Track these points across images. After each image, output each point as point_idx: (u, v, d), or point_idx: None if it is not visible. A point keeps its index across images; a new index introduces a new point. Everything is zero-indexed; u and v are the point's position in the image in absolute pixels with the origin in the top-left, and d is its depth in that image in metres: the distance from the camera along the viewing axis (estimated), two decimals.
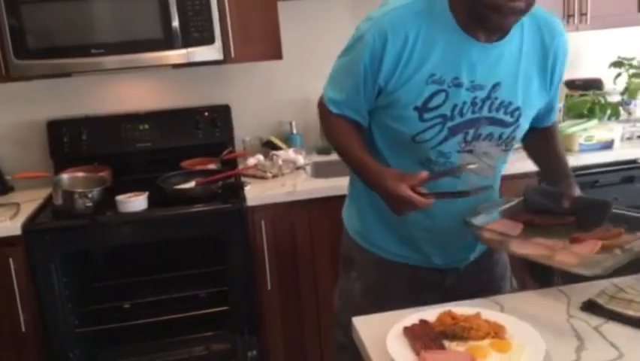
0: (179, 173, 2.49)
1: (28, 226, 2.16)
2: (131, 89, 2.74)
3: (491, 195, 1.51)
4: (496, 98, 1.33)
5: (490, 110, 1.34)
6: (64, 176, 2.33)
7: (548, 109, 1.48)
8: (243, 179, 2.47)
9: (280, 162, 2.57)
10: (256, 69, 2.76)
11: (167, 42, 2.30)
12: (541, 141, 1.55)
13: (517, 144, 1.57)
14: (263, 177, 2.51)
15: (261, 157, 2.61)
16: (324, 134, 1.54)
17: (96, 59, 2.26)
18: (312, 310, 2.40)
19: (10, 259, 2.13)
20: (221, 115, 2.74)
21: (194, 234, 2.36)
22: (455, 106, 1.32)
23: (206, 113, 2.72)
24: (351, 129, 1.43)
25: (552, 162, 1.54)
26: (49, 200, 2.38)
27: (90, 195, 2.18)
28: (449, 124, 1.33)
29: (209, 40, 2.34)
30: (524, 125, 1.40)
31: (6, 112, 2.64)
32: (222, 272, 2.37)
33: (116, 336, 2.37)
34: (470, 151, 1.37)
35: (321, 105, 1.48)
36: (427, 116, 1.33)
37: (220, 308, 2.38)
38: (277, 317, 2.38)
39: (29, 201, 2.37)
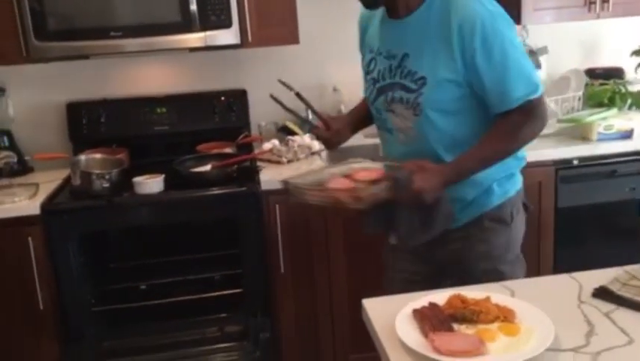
0: (195, 156, 2.50)
1: (47, 205, 2.20)
2: (149, 73, 2.77)
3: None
4: (405, 67, 1.56)
5: (400, 77, 1.57)
6: (82, 157, 2.36)
7: (483, 93, 1.50)
8: (258, 163, 2.48)
9: (295, 147, 2.58)
10: (273, 54, 2.76)
11: (185, 25, 2.31)
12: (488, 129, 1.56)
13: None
14: (278, 162, 2.52)
15: (276, 142, 2.62)
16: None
17: (114, 42, 2.28)
18: (325, 294, 2.42)
19: (29, 238, 2.16)
20: (237, 99, 2.75)
21: (209, 216, 2.39)
22: (380, 71, 1.63)
23: (222, 98, 2.73)
24: (361, 102, 1.86)
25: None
26: (67, 181, 2.42)
27: (108, 177, 2.21)
28: (377, 85, 1.64)
29: (226, 23, 2.34)
30: (431, 95, 1.52)
31: (26, 94, 2.67)
32: (237, 255, 2.40)
33: (131, 316, 2.41)
34: (393, 111, 1.61)
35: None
36: (368, 78, 1.69)
37: (234, 291, 2.40)
38: (290, 300, 2.40)
39: (48, 182, 2.41)
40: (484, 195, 1.64)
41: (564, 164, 2.46)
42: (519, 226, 1.72)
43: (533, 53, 2.88)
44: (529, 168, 2.36)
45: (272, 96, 1.90)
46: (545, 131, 2.52)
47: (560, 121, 2.59)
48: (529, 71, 1.51)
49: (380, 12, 1.64)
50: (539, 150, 2.42)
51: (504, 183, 1.67)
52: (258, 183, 2.30)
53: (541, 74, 2.94)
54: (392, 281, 1.79)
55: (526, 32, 2.88)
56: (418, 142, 1.59)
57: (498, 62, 1.45)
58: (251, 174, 2.38)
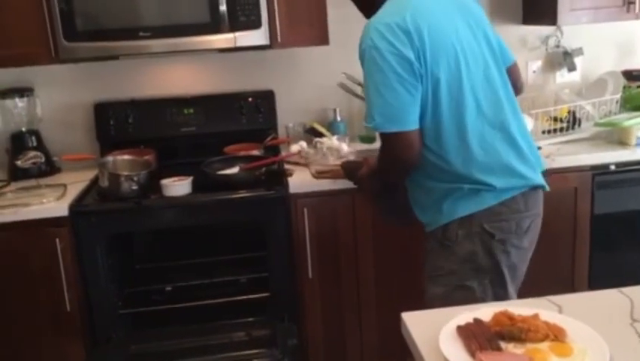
0: (222, 158, 2.48)
1: (75, 207, 2.18)
2: (176, 73, 2.75)
3: None
4: None
5: None
6: (110, 158, 2.35)
7: None
8: (288, 166, 2.44)
9: (324, 150, 2.53)
10: (301, 54, 2.73)
11: (214, 26, 2.28)
12: None
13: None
14: (306, 165, 2.48)
15: (304, 144, 2.58)
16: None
17: (143, 42, 2.26)
18: (353, 300, 2.37)
19: (57, 240, 2.15)
20: (265, 101, 2.72)
21: (237, 219, 2.36)
22: None
23: (250, 99, 2.70)
24: None
25: None
26: (94, 182, 2.41)
27: (136, 179, 2.19)
28: None
29: (256, 24, 2.31)
30: None
31: (54, 94, 2.67)
32: (264, 258, 2.37)
33: (158, 319, 2.39)
34: None
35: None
36: None
37: (261, 295, 2.37)
38: (318, 305, 2.36)
39: (76, 183, 2.40)
40: (435, 212, 1.72)
41: (601, 169, 2.38)
42: (470, 250, 1.67)
43: (568, 55, 2.81)
44: (565, 173, 2.33)
45: (341, 85, 2.45)
46: (581, 135, 2.51)
47: (597, 125, 2.51)
48: (373, 104, 1.63)
49: None
50: (575, 155, 2.36)
51: (455, 202, 1.68)
52: (287, 186, 2.26)
53: (575, 76, 2.88)
54: None
55: (561, 33, 2.81)
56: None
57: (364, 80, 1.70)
58: (279, 176, 2.34)
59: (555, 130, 2.48)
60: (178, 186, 2.21)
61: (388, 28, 1.60)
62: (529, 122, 2.49)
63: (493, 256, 1.68)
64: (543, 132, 2.50)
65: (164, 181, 2.22)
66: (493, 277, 1.69)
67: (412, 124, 1.62)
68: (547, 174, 2.28)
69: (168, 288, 2.55)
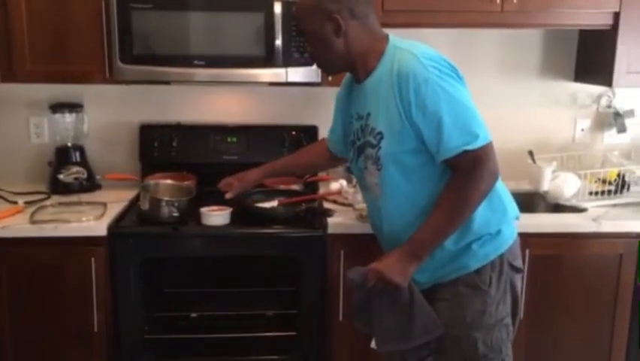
0: (261, 190, 2.46)
1: (114, 228, 2.18)
2: (224, 102, 2.76)
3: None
4: (367, 125, 1.68)
5: (366, 135, 1.69)
6: (152, 182, 2.35)
7: (427, 145, 1.58)
8: (328, 206, 2.41)
9: None
10: None
11: (268, 60, 2.29)
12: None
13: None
14: (344, 204, 2.46)
15: (344, 182, 2.55)
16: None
17: (197, 70, 2.27)
18: None
19: (92, 259, 2.14)
20: (307, 135, 2.72)
21: (272, 254, 2.33)
22: (354, 133, 1.76)
23: (293, 133, 2.70)
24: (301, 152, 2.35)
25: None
26: (134, 202, 2.41)
27: (177, 205, 2.19)
28: (355, 145, 1.76)
29: (309, 61, 2.29)
30: (388, 148, 1.62)
31: (102, 111, 2.70)
32: (293, 294, 2.34)
33: (182, 346, 2.36)
34: (367, 168, 1.71)
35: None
36: (348, 140, 1.83)
37: (287, 333, 2.34)
38: (345, 350, 2.30)
39: (115, 202, 2.40)
40: (461, 256, 1.65)
41: None
42: (503, 288, 1.69)
43: (619, 116, 2.76)
44: (612, 239, 2.26)
45: None
46: (630, 199, 2.44)
47: None
48: (467, 121, 1.53)
49: (350, 79, 1.81)
50: (623, 221, 2.29)
51: (486, 243, 1.66)
52: (326, 225, 2.24)
53: (625, 138, 2.82)
54: None
55: (613, 94, 2.77)
56: (383, 199, 1.70)
57: (431, 112, 1.53)
58: (318, 214, 2.32)
59: (603, 192, 2.43)
60: (218, 217, 2.20)
61: (439, 57, 1.59)
62: (575, 182, 2.45)
63: (516, 290, 1.75)
64: (590, 193, 2.44)
65: (204, 210, 2.22)
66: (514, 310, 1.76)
67: None
68: (594, 237, 2.25)
69: (193, 315, 2.53)
